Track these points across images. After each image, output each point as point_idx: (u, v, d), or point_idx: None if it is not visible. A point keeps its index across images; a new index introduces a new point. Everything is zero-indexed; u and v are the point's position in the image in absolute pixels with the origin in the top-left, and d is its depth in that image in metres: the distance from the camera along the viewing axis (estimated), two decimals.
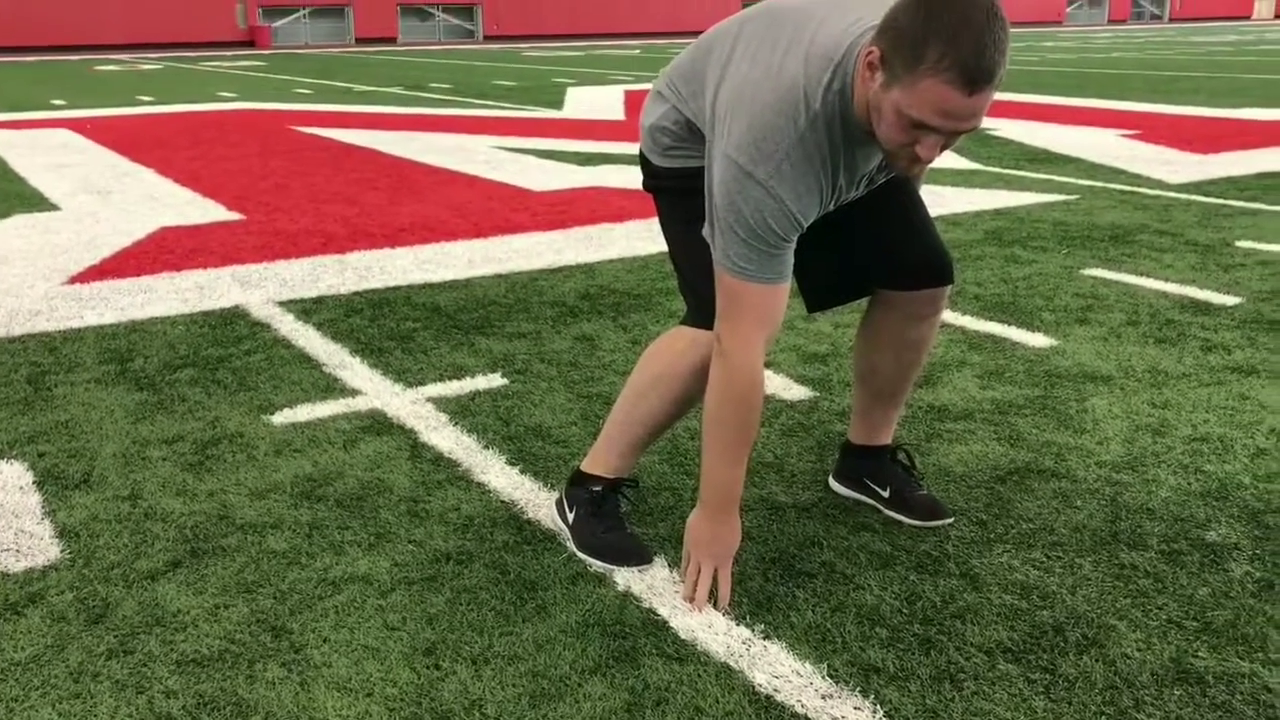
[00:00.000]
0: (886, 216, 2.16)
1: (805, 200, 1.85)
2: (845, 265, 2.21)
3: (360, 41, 33.83)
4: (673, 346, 2.16)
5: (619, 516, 2.24)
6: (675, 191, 2.11)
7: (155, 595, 2.08)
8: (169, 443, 2.79)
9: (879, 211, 2.14)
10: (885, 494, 2.37)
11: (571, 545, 2.23)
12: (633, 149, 8.94)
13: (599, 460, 2.27)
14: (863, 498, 2.42)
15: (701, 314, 2.06)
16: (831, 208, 1.98)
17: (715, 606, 2.01)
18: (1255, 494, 2.44)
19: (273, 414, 2.97)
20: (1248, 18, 48.99)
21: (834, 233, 2.10)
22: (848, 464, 2.45)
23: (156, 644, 1.93)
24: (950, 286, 2.24)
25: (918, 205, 2.23)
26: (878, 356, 2.30)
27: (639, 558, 2.16)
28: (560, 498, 2.32)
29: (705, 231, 1.93)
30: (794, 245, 1.90)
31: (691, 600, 2.01)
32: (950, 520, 2.33)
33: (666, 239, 2.22)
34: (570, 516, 2.25)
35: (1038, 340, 3.52)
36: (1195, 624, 1.95)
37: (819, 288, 2.26)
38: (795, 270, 1.97)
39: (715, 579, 2.02)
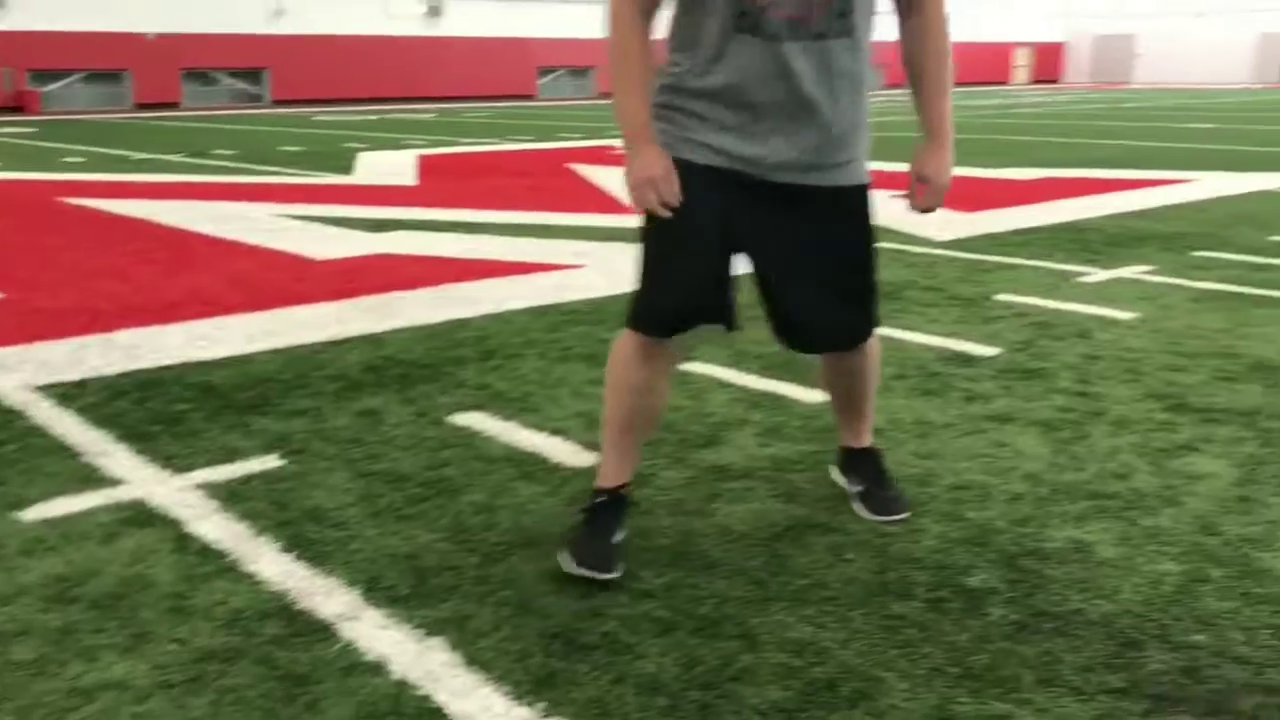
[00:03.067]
0: (807, 287, 2.43)
1: None
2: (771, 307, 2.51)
3: (140, 107, 32.55)
4: (616, 344, 2.49)
5: (609, 526, 2.44)
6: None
7: None
8: None
9: (806, 279, 2.42)
10: (859, 489, 2.72)
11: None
12: (426, 214, 8.84)
13: (602, 472, 2.54)
14: (847, 487, 2.77)
15: (630, 314, 2.41)
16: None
17: (665, 202, 2.28)
18: (1011, 538, 2.58)
19: (23, 510, 2.77)
20: (1006, 83, 52.79)
21: (772, 282, 2.43)
22: (842, 458, 2.82)
23: None
24: (856, 349, 2.56)
25: (841, 277, 2.45)
26: (831, 380, 2.71)
27: (593, 562, 2.34)
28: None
29: None
30: None
31: (641, 208, 2.30)
32: (905, 516, 2.66)
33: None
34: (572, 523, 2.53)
35: (814, 397, 3.64)
36: (957, 670, 2.03)
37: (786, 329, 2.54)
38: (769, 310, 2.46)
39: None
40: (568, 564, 2.36)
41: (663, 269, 2.36)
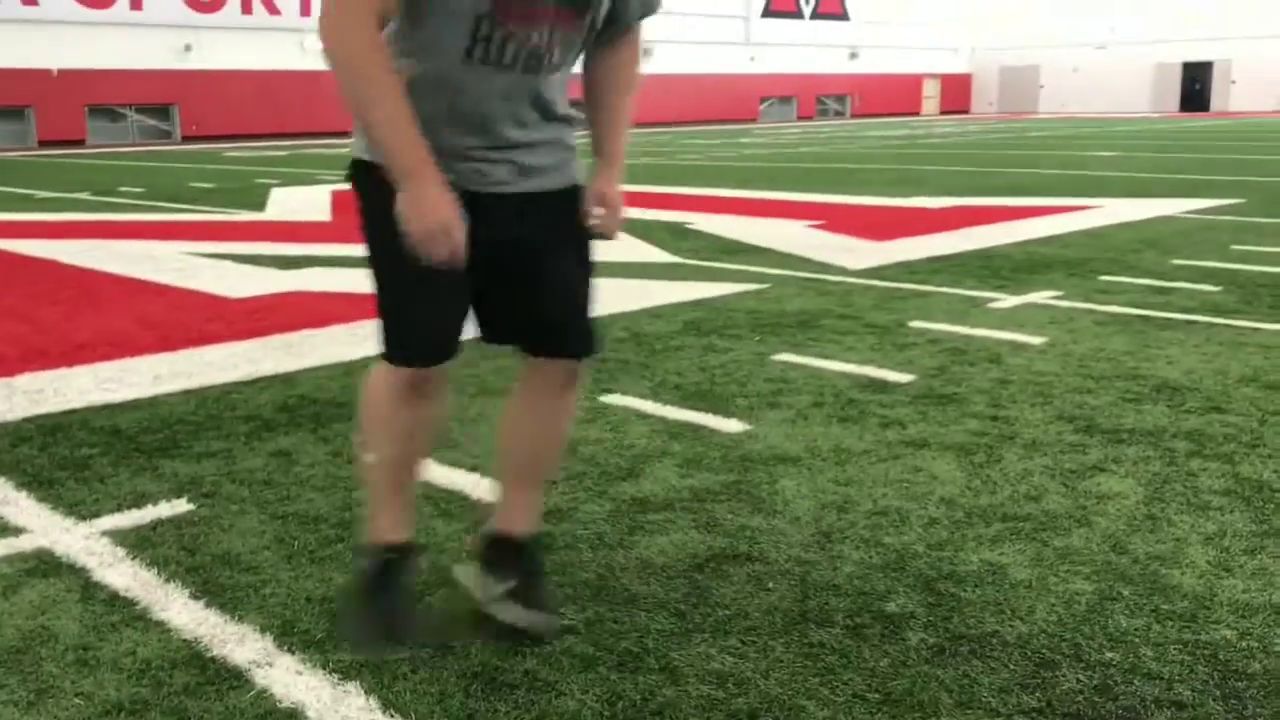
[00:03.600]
0: (551, 282, 2.20)
1: None
2: (503, 311, 2.23)
3: (44, 144, 31.81)
4: (369, 385, 2.25)
5: (396, 588, 2.26)
6: (368, 192, 2.10)
7: None
8: None
9: (544, 276, 2.19)
10: (504, 587, 2.28)
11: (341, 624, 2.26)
12: (340, 250, 8.72)
13: (372, 526, 2.30)
14: (484, 583, 2.32)
15: (382, 350, 2.16)
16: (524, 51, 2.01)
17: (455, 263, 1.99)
18: (929, 562, 2.61)
19: None
20: (917, 113, 53.95)
21: (509, 281, 2.18)
22: (486, 552, 2.36)
23: None
24: (586, 361, 2.28)
25: (581, 282, 2.26)
26: (516, 430, 2.34)
27: (395, 635, 2.19)
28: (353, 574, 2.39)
29: None
30: None
31: (446, 257, 1.97)
32: (551, 633, 2.25)
33: (366, 247, 2.16)
34: (353, 590, 2.30)
35: (732, 426, 3.66)
36: (877, 695, 2.05)
37: (489, 321, 2.26)
38: (475, 303, 2.15)
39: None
40: (361, 636, 2.16)
41: (423, 289, 2.06)
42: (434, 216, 1.94)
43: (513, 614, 2.26)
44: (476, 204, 2.05)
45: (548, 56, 2.06)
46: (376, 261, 2.13)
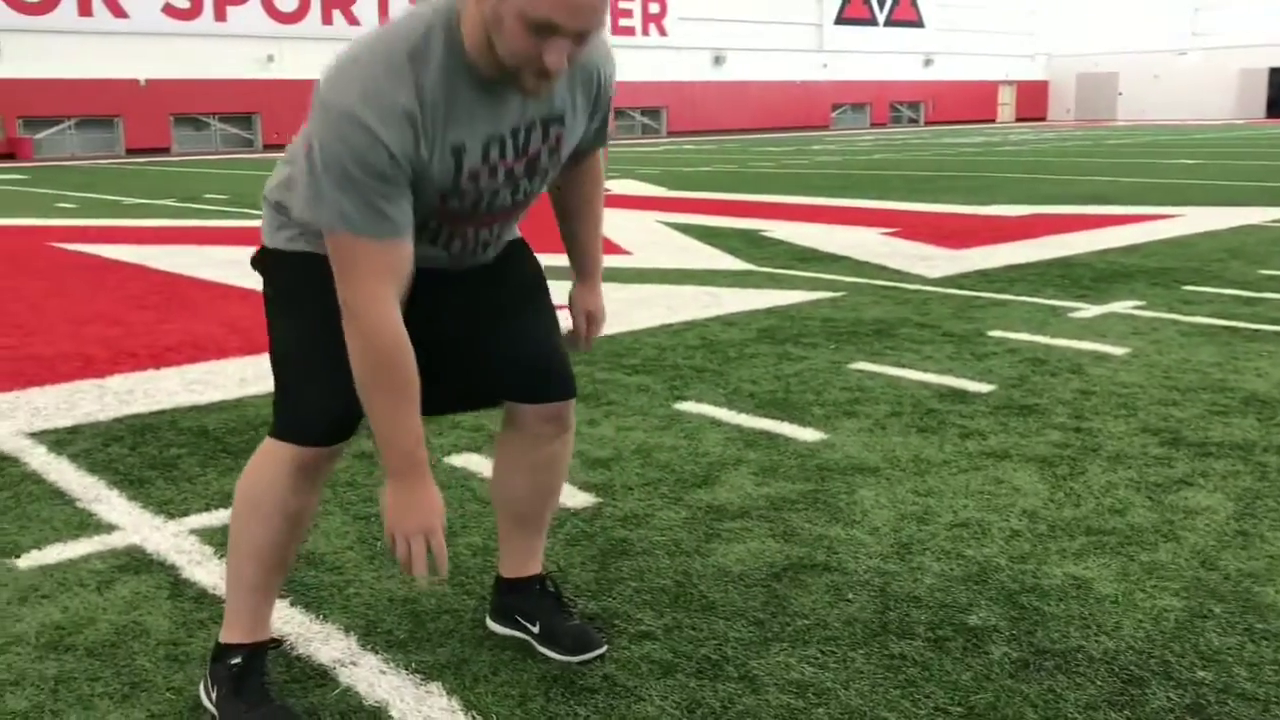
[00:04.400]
0: (519, 330, 2.13)
1: (400, 134, 1.72)
2: (474, 372, 2.12)
3: (131, 152, 32.69)
4: (257, 464, 2.02)
5: (263, 689, 2.02)
6: (278, 279, 2.01)
7: None
8: None
9: (512, 325, 2.12)
10: (535, 629, 2.26)
11: None
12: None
13: (233, 627, 2.06)
14: (518, 634, 2.29)
15: (277, 427, 2.01)
16: (482, 210, 1.91)
17: (434, 578, 1.88)
18: (1010, 575, 2.57)
19: (18, 557, 2.75)
20: (993, 120, 53.25)
21: (468, 341, 2.08)
22: (499, 601, 2.33)
23: None
24: (571, 402, 2.19)
25: (550, 326, 2.19)
26: (513, 479, 2.24)
27: None
28: (205, 675, 2.08)
29: (302, 200, 1.84)
30: (403, 199, 1.77)
31: (410, 573, 1.83)
32: (602, 650, 2.22)
33: (269, 327, 2.07)
34: (214, 697, 2.02)
35: (809, 435, 3.65)
36: (960, 709, 2.02)
37: (447, 394, 2.10)
38: (421, 371, 1.84)
39: (430, 548, 1.84)
40: None
41: (331, 368, 1.87)
42: (416, 520, 1.83)
43: (554, 654, 2.23)
44: (431, 279, 1.96)
45: (500, 235, 2.04)
46: (281, 340, 2.03)
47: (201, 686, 2.09)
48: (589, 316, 2.29)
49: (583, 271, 2.29)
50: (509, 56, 1.70)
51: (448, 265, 2.03)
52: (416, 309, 1.87)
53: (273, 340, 2.06)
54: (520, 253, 2.19)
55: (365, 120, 1.69)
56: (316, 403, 1.97)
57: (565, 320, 2.25)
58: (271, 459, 2.01)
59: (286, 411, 2.01)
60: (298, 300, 1.98)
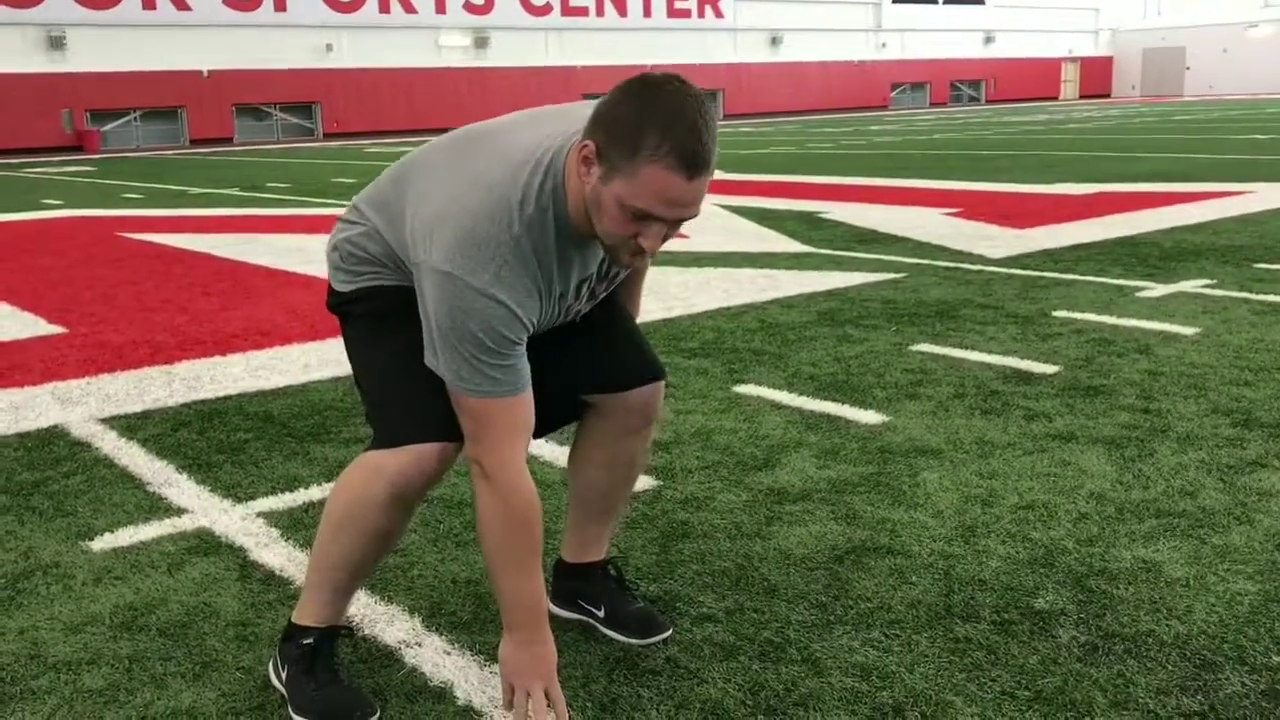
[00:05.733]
0: (596, 326, 2.12)
1: (529, 304, 1.80)
2: (557, 385, 2.08)
3: (195, 143, 33.21)
4: (356, 479, 1.98)
5: (334, 670, 2.03)
6: (362, 315, 2.01)
7: None
8: None
9: (588, 323, 2.10)
10: (600, 613, 2.27)
11: (290, 710, 2.01)
12: None
13: (308, 610, 2.07)
14: (582, 618, 2.30)
15: (381, 439, 1.95)
16: (558, 320, 1.96)
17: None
18: (1078, 558, 2.53)
19: (92, 540, 2.81)
20: (1055, 98, 52.31)
21: (548, 352, 2.04)
22: (561, 584, 2.34)
23: None
24: (662, 386, 2.20)
25: (625, 315, 2.21)
26: (592, 471, 2.24)
27: (360, 713, 1.96)
28: (275, 655, 2.11)
29: (429, 359, 1.82)
30: (524, 351, 1.82)
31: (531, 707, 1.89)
32: (668, 633, 2.22)
33: (352, 363, 2.08)
34: (284, 676, 2.05)
35: (870, 417, 3.62)
36: (1027, 693, 2.00)
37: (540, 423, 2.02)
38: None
39: (549, 699, 1.90)
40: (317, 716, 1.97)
41: (425, 374, 1.87)
42: (537, 673, 1.89)
43: (621, 637, 2.24)
44: None
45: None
46: (366, 368, 2.03)
47: (270, 666, 2.12)
48: None
49: None
50: (606, 236, 1.77)
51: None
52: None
53: (365, 370, 2.03)
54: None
55: (504, 298, 1.76)
56: (420, 408, 1.91)
57: None
58: (363, 471, 1.96)
59: (391, 422, 1.95)
60: (387, 324, 1.97)
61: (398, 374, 1.95)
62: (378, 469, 1.93)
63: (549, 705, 1.90)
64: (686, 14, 41.68)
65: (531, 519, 1.85)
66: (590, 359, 2.14)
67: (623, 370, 2.16)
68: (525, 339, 1.82)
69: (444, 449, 1.92)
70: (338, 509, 2.00)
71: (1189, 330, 4.67)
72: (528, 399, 1.84)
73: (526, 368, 1.83)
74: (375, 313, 1.99)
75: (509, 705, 1.90)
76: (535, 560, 1.88)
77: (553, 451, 3.29)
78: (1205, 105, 35.05)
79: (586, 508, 2.30)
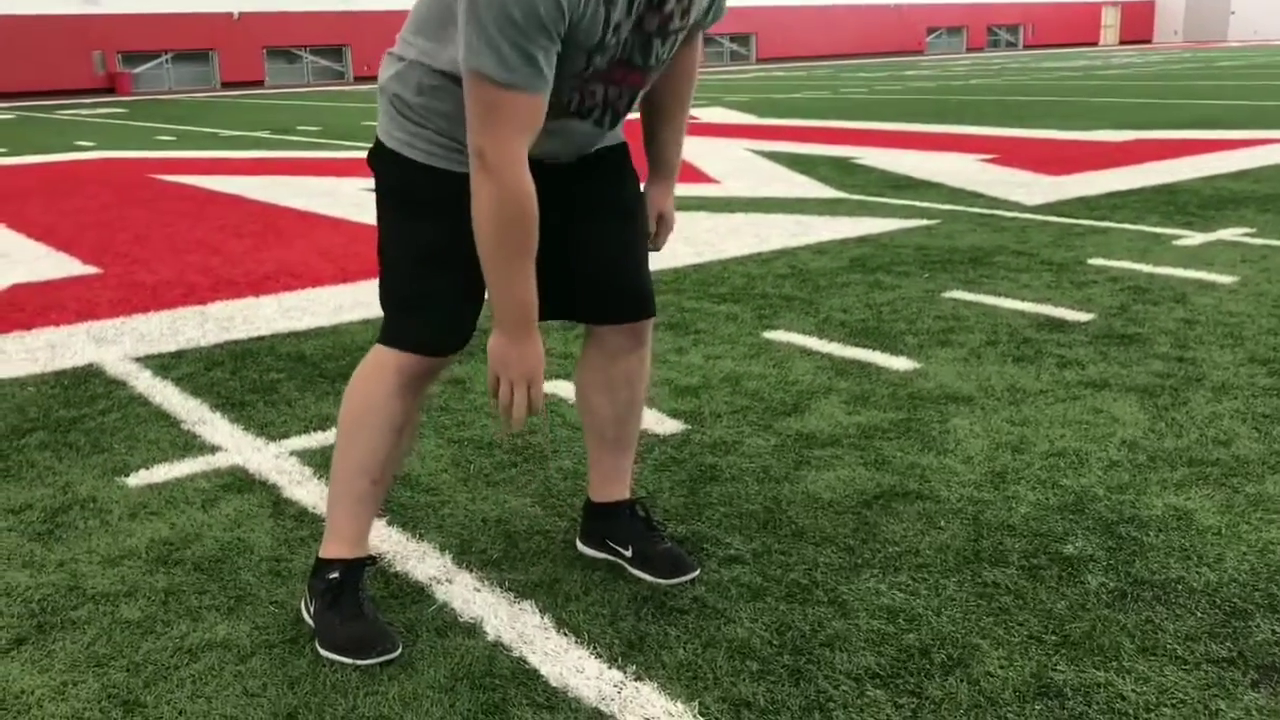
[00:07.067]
0: (601, 246, 2.11)
1: None
2: (557, 285, 2.08)
3: (226, 85, 33.22)
4: (367, 375, 2.04)
5: (358, 604, 2.05)
6: (394, 190, 2.01)
7: None
8: (15, 512, 2.66)
9: (597, 239, 2.10)
10: (628, 553, 2.29)
11: (316, 643, 2.04)
12: None
13: (332, 540, 2.10)
14: (610, 558, 2.33)
15: (389, 333, 2.02)
16: (601, 59, 1.85)
17: (532, 415, 1.94)
18: (1109, 505, 2.52)
19: (128, 476, 2.85)
20: (1095, 44, 51.34)
21: (556, 253, 2.04)
22: (589, 525, 2.37)
23: None
24: (650, 320, 2.20)
25: (633, 246, 2.17)
26: (594, 397, 2.26)
27: (382, 647, 1.99)
28: (305, 591, 2.15)
29: (460, 55, 1.75)
30: (553, 54, 1.76)
31: (509, 415, 1.90)
32: (695, 573, 2.25)
33: (379, 231, 2.07)
34: (312, 611, 2.08)
35: (901, 364, 3.60)
36: (1054, 638, 2.00)
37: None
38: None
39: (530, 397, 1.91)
40: (347, 657, 1.99)
41: (444, 274, 1.97)
42: (521, 368, 1.89)
43: (649, 576, 2.25)
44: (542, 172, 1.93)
45: (627, 102, 2.01)
46: (392, 244, 2.04)
47: (302, 601, 2.15)
48: (660, 218, 2.27)
49: (660, 172, 2.26)
50: None
51: (561, 152, 2.01)
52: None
53: (386, 242, 2.05)
54: (626, 167, 2.16)
55: None
56: (426, 312, 1.99)
57: None
58: (377, 366, 2.03)
59: (396, 319, 2.02)
60: (418, 206, 1.98)
61: (416, 269, 1.99)
62: (384, 365, 2.02)
63: (529, 403, 1.91)
64: None
65: (524, 215, 1.81)
66: (590, 275, 2.12)
67: (613, 301, 2.16)
68: (556, 32, 1.74)
69: (444, 360, 2.02)
70: (352, 408, 2.06)
71: (1226, 279, 4.60)
72: (540, 102, 1.79)
73: (551, 72, 1.78)
74: (408, 196, 1.99)
75: (494, 393, 1.92)
76: (525, 260, 1.85)
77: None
78: (1250, 50, 34.30)
79: (600, 438, 2.31)
